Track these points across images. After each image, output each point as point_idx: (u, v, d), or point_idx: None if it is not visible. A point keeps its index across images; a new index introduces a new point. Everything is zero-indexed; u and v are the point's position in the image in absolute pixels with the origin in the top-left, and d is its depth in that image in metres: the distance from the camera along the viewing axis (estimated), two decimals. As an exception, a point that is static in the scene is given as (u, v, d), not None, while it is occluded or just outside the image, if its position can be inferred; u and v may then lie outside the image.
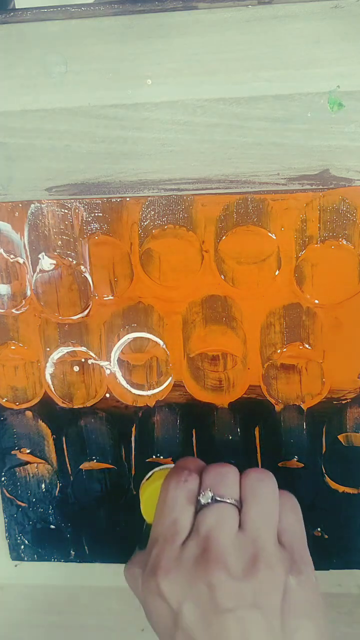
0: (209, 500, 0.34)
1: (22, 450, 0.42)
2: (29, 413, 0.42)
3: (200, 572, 0.31)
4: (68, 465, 0.42)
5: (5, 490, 0.43)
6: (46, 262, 0.38)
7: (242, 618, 0.30)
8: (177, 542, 0.33)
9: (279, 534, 0.34)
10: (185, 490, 0.35)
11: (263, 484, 0.34)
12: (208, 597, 0.31)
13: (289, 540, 0.33)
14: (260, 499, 0.34)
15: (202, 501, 0.34)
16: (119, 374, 0.40)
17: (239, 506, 0.34)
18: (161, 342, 0.39)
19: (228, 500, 0.34)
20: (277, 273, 0.36)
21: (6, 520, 0.44)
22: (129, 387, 0.40)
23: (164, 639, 0.33)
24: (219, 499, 0.34)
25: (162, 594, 0.32)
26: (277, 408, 0.39)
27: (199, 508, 0.34)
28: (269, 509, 0.34)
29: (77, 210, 0.37)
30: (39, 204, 0.37)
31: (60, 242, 0.37)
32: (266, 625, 0.30)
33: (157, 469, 0.40)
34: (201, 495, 0.34)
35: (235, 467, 0.36)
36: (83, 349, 0.40)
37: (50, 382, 0.41)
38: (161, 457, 0.41)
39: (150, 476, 0.40)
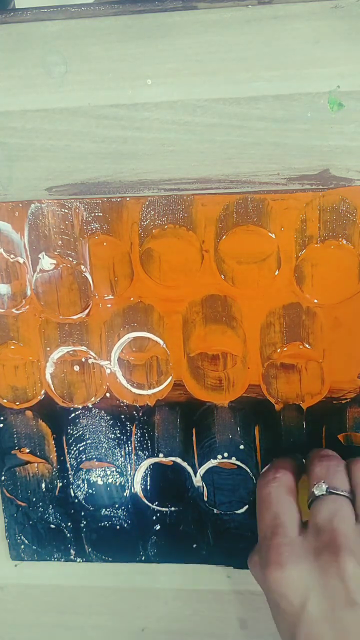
0: (324, 492, 0.33)
1: (22, 450, 0.42)
2: (29, 413, 0.42)
3: (329, 564, 0.30)
4: (68, 465, 0.42)
5: (5, 490, 0.43)
6: (46, 262, 0.38)
7: None
8: (286, 535, 0.33)
9: None
10: (277, 485, 0.35)
11: None
12: (340, 589, 0.30)
13: None
14: None
15: (317, 493, 0.33)
16: (119, 374, 0.40)
17: (352, 498, 0.33)
18: (161, 342, 0.39)
19: (342, 493, 0.33)
20: (277, 273, 0.37)
21: (6, 520, 0.44)
22: (129, 387, 0.40)
23: (284, 635, 0.32)
24: (333, 491, 0.33)
25: (281, 590, 0.31)
26: (277, 407, 0.39)
27: (310, 500, 0.34)
28: None
29: (77, 210, 0.37)
30: (39, 204, 0.37)
31: (60, 242, 0.37)
32: None
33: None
34: (315, 487, 0.34)
35: (340, 457, 0.36)
36: (83, 348, 0.40)
37: (50, 382, 0.41)
38: (162, 457, 0.41)
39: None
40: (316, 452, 0.37)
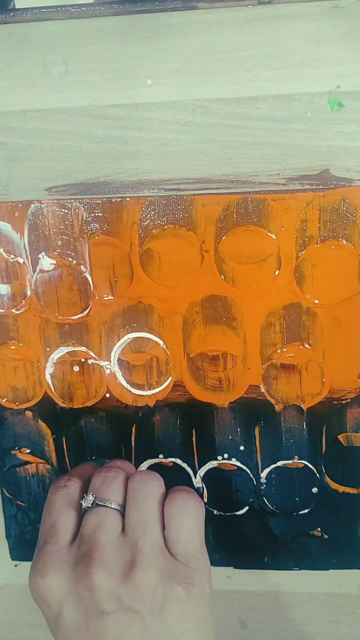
0: (90, 505, 0.34)
1: (22, 450, 0.42)
2: (29, 413, 0.42)
3: (81, 574, 0.32)
4: (68, 465, 0.42)
5: (5, 490, 0.43)
6: (46, 262, 0.38)
7: (119, 621, 0.31)
8: (56, 544, 0.34)
9: (169, 543, 0.33)
10: (64, 494, 0.35)
11: (145, 486, 0.35)
12: (88, 599, 0.31)
13: (183, 550, 0.33)
14: (140, 501, 0.34)
15: (84, 505, 0.34)
16: (119, 374, 0.40)
17: (123, 511, 0.34)
18: (161, 342, 0.39)
19: (110, 505, 0.34)
20: (277, 273, 0.36)
21: (6, 520, 0.44)
22: (129, 387, 0.40)
23: (53, 636, 0.34)
24: (100, 503, 0.34)
25: (42, 596, 0.32)
26: (277, 408, 0.39)
27: (82, 512, 0.35)
28: (149, 511, 0.34)
29: (77, 210, 0.37)
30: (39, 204, 0.37)
31: (60, 242, 0.37)
32: (143, 629, 0.31)
33: None
34: (83, 499, 0.35)
35: (125, 467, 0.36)
36: (83, 349, 0.40)
37: (50, 382, 0.41)
38: (162, 457, 0.41)
39: None
40: (106, 463, 0.38)
